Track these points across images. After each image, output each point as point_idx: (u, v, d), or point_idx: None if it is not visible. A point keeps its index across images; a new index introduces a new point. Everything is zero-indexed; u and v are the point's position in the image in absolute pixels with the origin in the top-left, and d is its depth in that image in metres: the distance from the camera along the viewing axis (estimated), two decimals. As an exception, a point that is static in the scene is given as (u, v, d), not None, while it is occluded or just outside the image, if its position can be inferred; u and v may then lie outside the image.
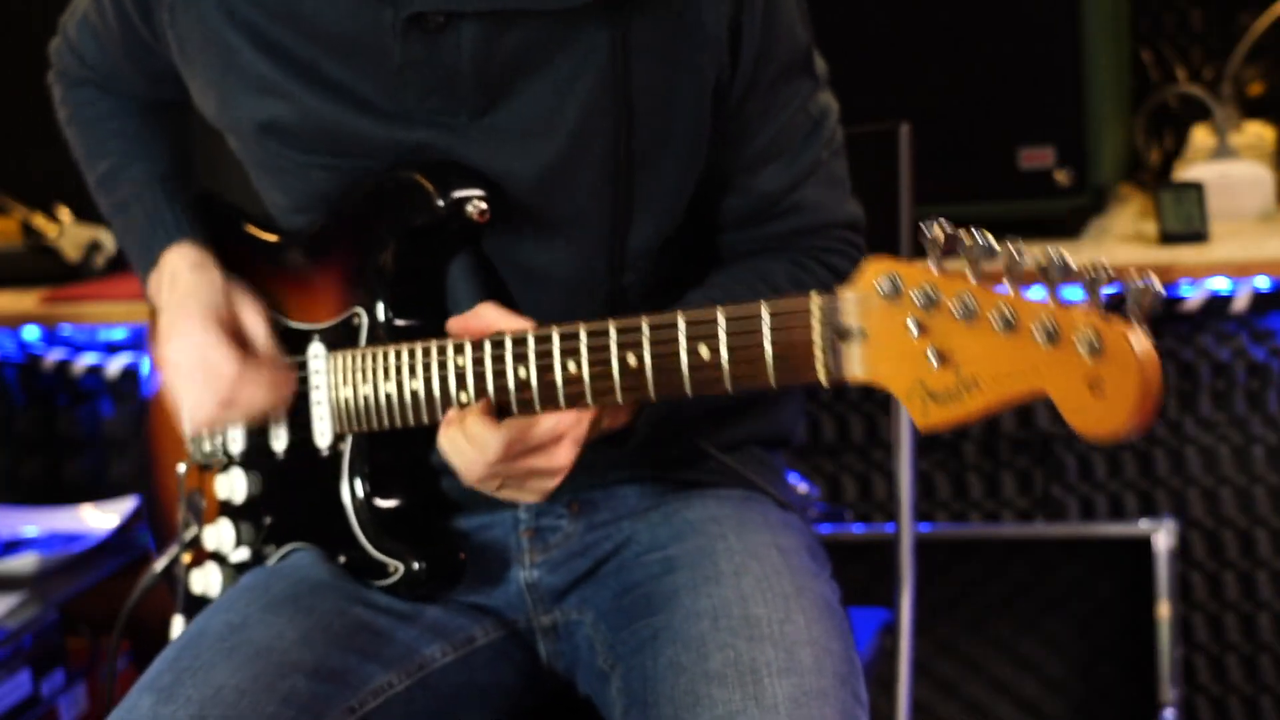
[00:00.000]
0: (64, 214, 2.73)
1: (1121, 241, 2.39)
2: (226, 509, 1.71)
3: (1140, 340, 1.12)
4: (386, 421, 1.54)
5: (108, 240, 2.72)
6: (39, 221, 2.70)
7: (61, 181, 2.75)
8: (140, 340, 2.80)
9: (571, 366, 1.40)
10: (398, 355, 1.53)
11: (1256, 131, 2.58)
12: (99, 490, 2.79)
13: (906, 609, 1.96)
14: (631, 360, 1.37)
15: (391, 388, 1.53)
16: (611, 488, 1.66)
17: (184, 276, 1.64)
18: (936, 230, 1.20)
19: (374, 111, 1.55)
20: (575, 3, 1.48)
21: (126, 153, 1.76)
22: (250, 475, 1.68)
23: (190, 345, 1.58)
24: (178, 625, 1.75)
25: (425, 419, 1.51)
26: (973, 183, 2.39)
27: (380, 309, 1.57)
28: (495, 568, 1.65)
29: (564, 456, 1.46)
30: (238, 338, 1.60)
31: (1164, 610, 2.51)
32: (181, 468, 1.74)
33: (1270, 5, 2.59)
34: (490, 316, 1.48)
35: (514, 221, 1.56)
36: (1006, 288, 1.18)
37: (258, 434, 1.67)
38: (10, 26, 2.83)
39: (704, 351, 1.33)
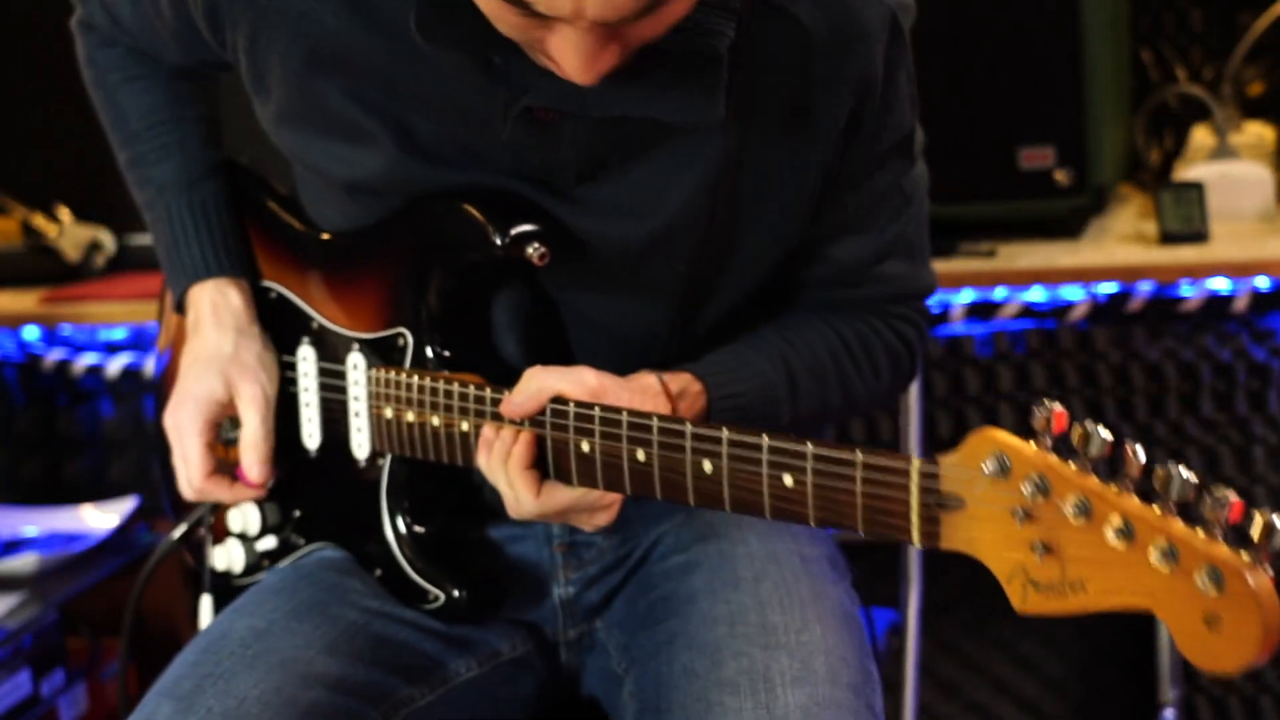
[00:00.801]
0: (64, 214, 2.73)
1: (1121, 241, 2.40)
2: None
3: (1263, 581, 1.05)
4: (432, 455, 1.51)
5: (108, 240, 2.72)
6: (39, 221, 2.70)
7: (61, 181, 2.77)
8: (140, 340, 2.80)
9: (640, 455, 1.36)
10: (448, 393, 1.48)
11: (1256, 131, 2.58)
12: (99, 490, 2.79)
13: (913, 610, 1.96)
14: (707, 466, 1.32)
15: (439, 423, 1.49)
16: (641, 500, 1.65)
17: (208, 334, 1.64)
18: (1047, 416, 1.13)
19: (464, 168, 1.50)
20: (704, 122, 1.42)
21: (155, 140, 1.71)
22: (282, 470, 1.66)
23: (175, 426, 1.64)
24: (205, 605, 1.74)
25: (466, 459, 1.48)
26: (973, 183, 2.39)
27: (427, 336, 1.53)
28: (531, 585, 1.63)
29: (604, 519, 1.45)
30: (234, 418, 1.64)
31: (1164, 610, 2.50)
32: None
33: (1270, 5, 2.59)
34: (537, 383, 1.42)
35: (588, 276, 1.52)
36: (1123, 494, 1.11)
37: (287, 426, 1.66)
38: (10, 28, 2.83)
39: (788, 480, 1.27)
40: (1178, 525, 1.08)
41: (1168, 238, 2.33)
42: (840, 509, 1.24)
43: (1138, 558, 1.08)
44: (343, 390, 1.61)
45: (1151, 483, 1.09)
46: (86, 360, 2.80)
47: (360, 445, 1.60)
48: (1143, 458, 1.10)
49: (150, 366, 2.76)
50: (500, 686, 1.61)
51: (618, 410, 1.36)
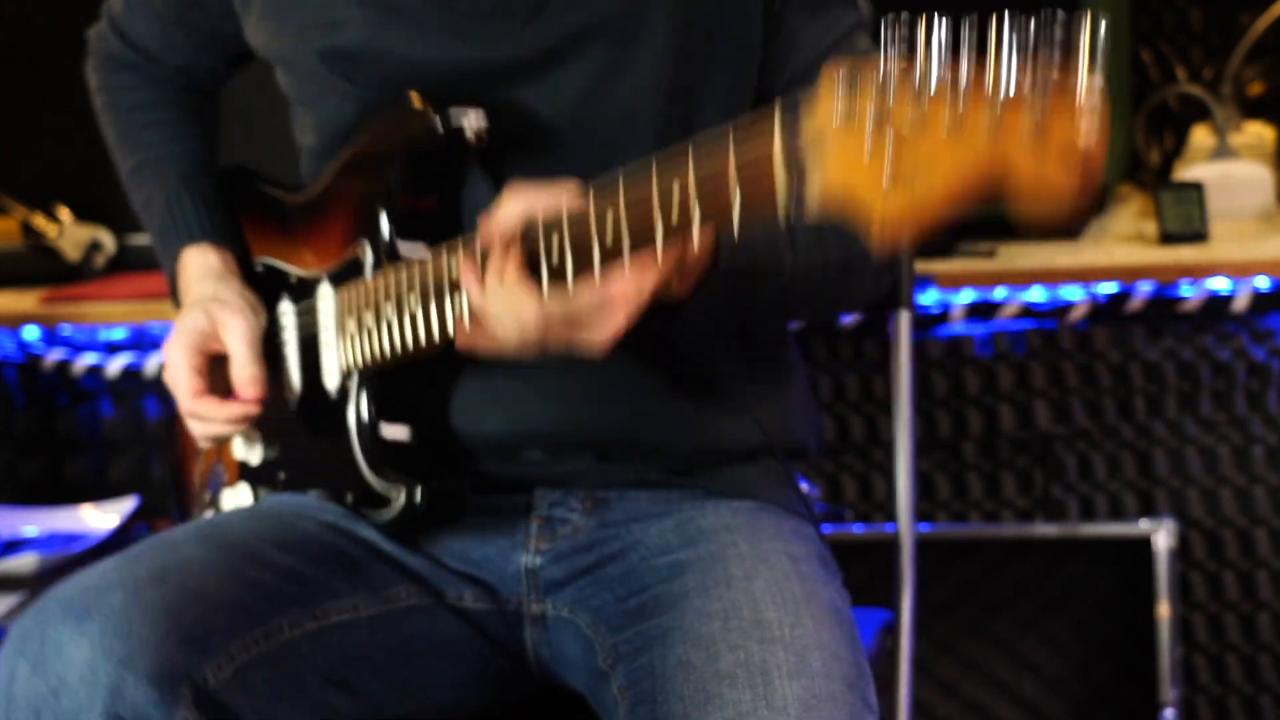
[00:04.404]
0: (64, 214, 2.73)
1: (1121, 241, 2.40)
2: (245, 471, 1.75)
3: (1086, 78, 1.04)
4: (387, 345, 1.54)
5: (108, 240, 2.72)
6: (39, 221, 2.70)
7: (61, 181, 2.77)
8: (140, 340, 2.81)
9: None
10: (396, 273, 1.52)
11: (1256, 131, 2.58)
12: (99, 490, 2.79)
13: (907, 610, 1.96)
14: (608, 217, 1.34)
15: (391, 310, 1.53)
16: (625, 489, 1.66)
17: (191, 288, 1.73)
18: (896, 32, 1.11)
19: (427, 26, 1.57)
20: None
21: (155, 146, 1.82)
22: (267, 434, 1.71)
23: (167, 363, 1.69)
24: None
25: (423, 336, 1.50)
26: (973, 183, 2.39)
27: (382, 233, 1.57)
28: (497, 544, 1.65)
29: (612, 327, 1.39)
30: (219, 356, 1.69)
31: (1164, 610, 2.51)
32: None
33: (1270, 5, 2.59)
34: (514, 204, 1.41)
35: (558, 140, 1.56)
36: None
37: (273, 382, 1.69)
38: (10, 28, 2.83)
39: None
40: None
41: (1168, 238, 2.33)
42: (718, 194, 1.25)
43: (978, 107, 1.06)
44: (314, 324, 1.67)
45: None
46: (86, 360, 2.81)
47: (330, 375, 1.64)
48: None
49: (151, 365, 2.77)
50: (447, 628, 1.62)
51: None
